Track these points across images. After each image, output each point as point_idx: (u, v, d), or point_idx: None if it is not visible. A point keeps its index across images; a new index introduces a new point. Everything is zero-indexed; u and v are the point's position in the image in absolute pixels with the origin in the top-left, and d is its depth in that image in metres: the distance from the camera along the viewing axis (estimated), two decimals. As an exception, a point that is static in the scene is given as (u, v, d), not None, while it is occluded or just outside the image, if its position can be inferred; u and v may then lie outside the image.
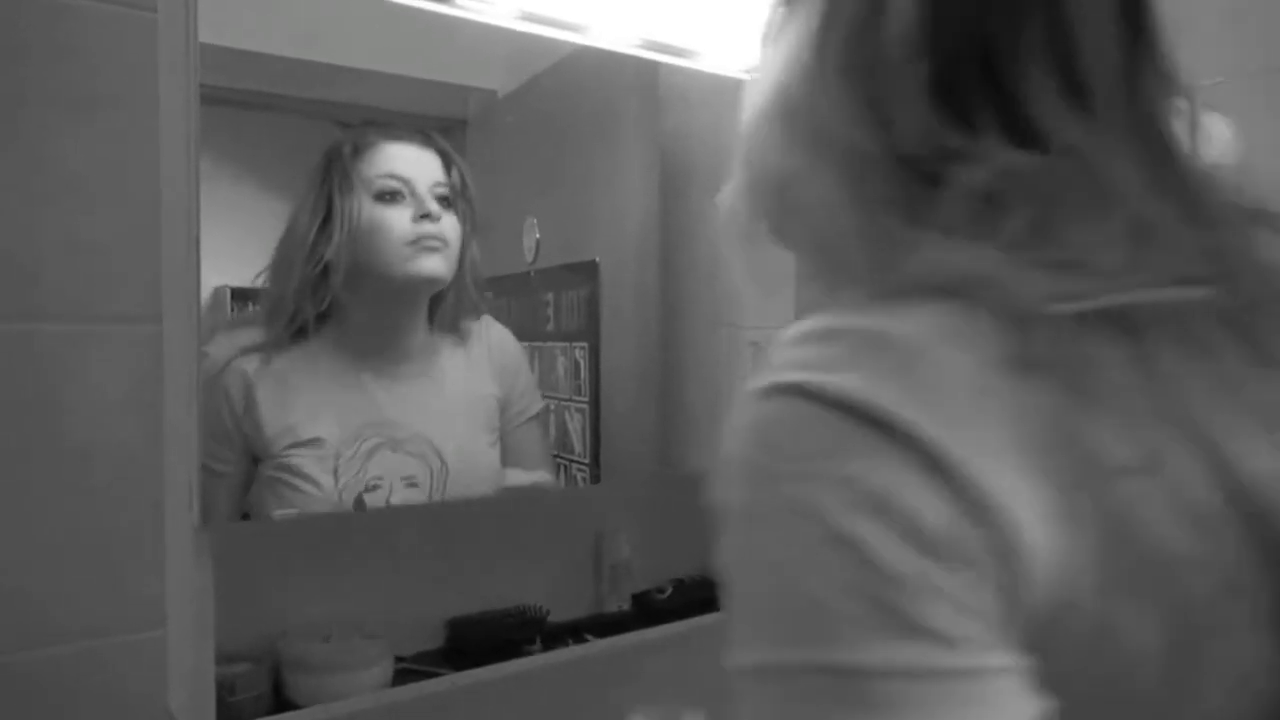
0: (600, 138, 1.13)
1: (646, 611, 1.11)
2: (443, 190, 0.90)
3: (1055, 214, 0.33)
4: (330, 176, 0.86)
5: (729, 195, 0.44)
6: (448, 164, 0.91)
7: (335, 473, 0.84)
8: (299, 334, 0.85)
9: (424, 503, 0.93)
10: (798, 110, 0.38)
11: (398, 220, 0.86)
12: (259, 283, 0.86)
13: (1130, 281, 0.31)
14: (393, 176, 0.86)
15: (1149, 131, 0.37)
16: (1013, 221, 0.33)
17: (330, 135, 0.94)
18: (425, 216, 0.86)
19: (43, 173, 0.66)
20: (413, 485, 0.89)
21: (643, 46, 1.00)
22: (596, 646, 1.03)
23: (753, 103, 0.42)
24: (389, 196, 0.86)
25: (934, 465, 0.28)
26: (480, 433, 0.97)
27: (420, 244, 0.87)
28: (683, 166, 1.17)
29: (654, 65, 1.09)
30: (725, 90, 1.10)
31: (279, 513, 0.81)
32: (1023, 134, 0.35)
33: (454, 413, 0.94)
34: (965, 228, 0.33)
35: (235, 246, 0.87)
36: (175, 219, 0.71)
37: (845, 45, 0.37)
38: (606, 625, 1.07)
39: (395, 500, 0.87)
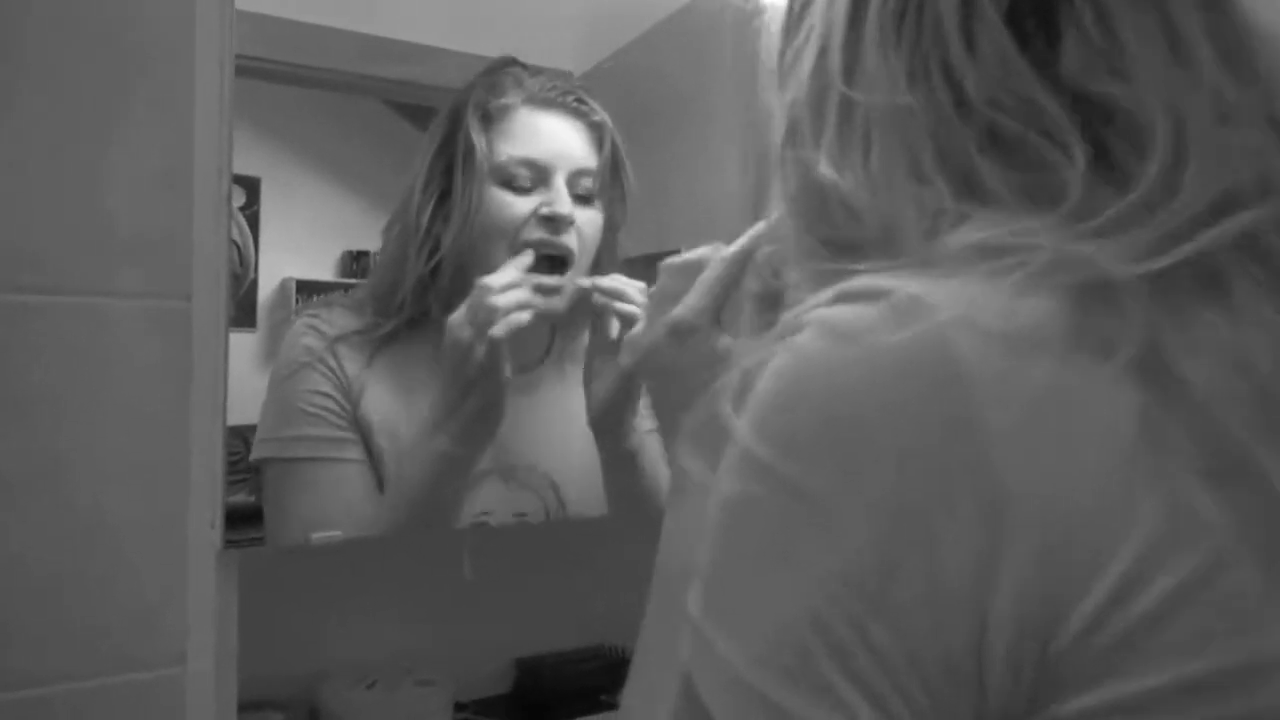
0: (688, 118, 1.08)
1: None
2: (586, 184, 0.76)
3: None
4: (453, 146, 0.73)
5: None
6: (599, 143, 0.77)
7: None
8: (400, 332, 0.74)
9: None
10: (849, 75, 0.36)
11: (519, 210, 0.73)
12: (375, 255, 0.77)
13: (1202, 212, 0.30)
14: (526, 163, 0.73)
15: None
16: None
17: (395, 124, 0.88)
18: (550, 220, 0.72)
19: (70, 145, 0.63)
20: (523, 518, 0.79)
21: None
22: None
23: (792, 90, 0.40)
24: (517, 187, 0.73)
25: None
26: (595, 457, 0.84)
27: (537, 252, 0.74)
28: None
29: (754, 34, 1.00)
30: None
31: (317, 534, 0.71)
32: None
33: (571, 436, 0.81)
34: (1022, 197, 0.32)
35: (301, 237, 0.84)
36: (207, 192, 0.66)
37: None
38: None
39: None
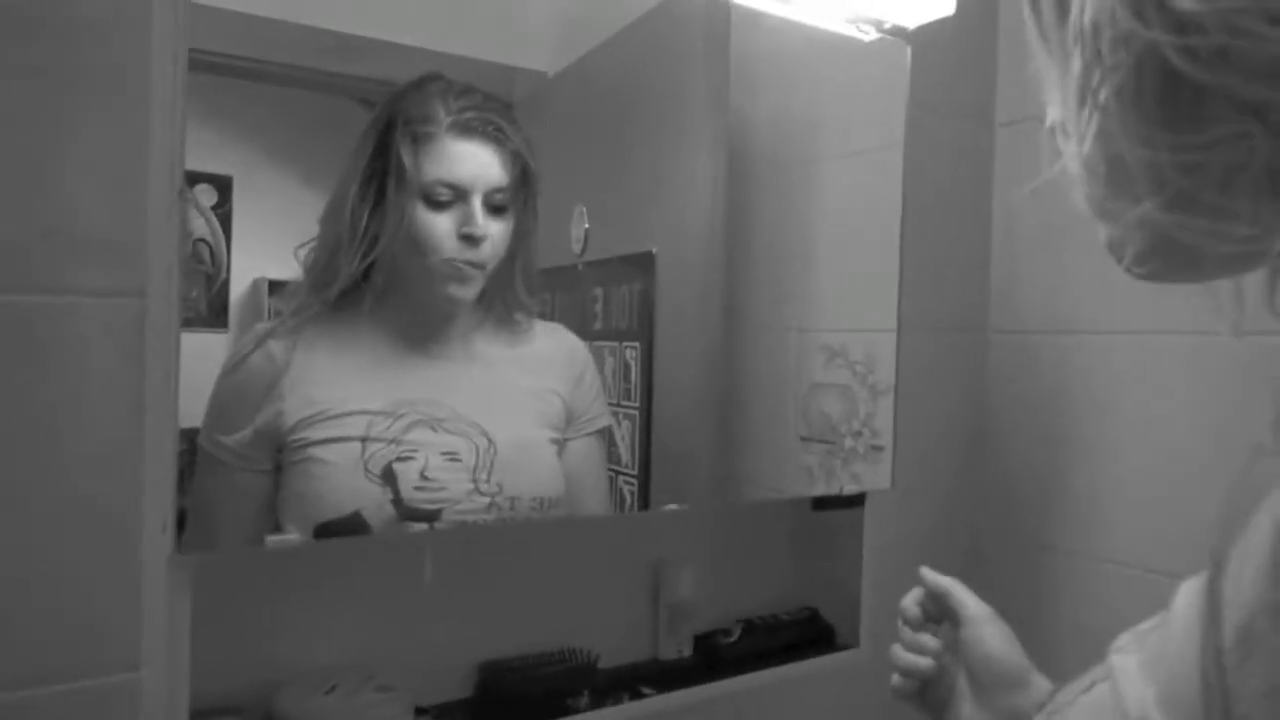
0: (660, 119, 1.07)
1: (710, 657, 1.03)
2: (499, 198, 0.85)
3: None
4: (384, 160, 0.81)
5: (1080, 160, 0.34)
6: (514, 164, 0.85)
7: (364, 440, 0.79)
8: (334, 307, 0.82)
9: (457, 524, 0.84)
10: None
11: (442, 230, 0.83)
12: (301, 258, 0.82)
13: None
14: (447, 185, 0.82)
15: None
16: None
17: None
18: (468, 238, 0.83)
19: (24, 142, 0.62)
20: (454, 459, 0.83)
21: None
22: (655, 704, 0.94)
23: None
24: (439, 202, 0.82)
25: None
26: (535, 426, 0.90)
27: (454, 268, 0.83)
28: (752, 149, 1.11)
29: (725, 35, 1.02)
30: (809, 56, 1.00)
31: (272, 538, 0.70)
32: None
33: (501, 401, 0.89)
34: None
35: (274, 237, 0.84)
36: (161, 189, 0.65)
37: None
38: (664, 673, 1.00)
39: (431, 474, 0.82)
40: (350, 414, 0.80)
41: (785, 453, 1.11)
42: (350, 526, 0.78)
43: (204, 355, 0.78)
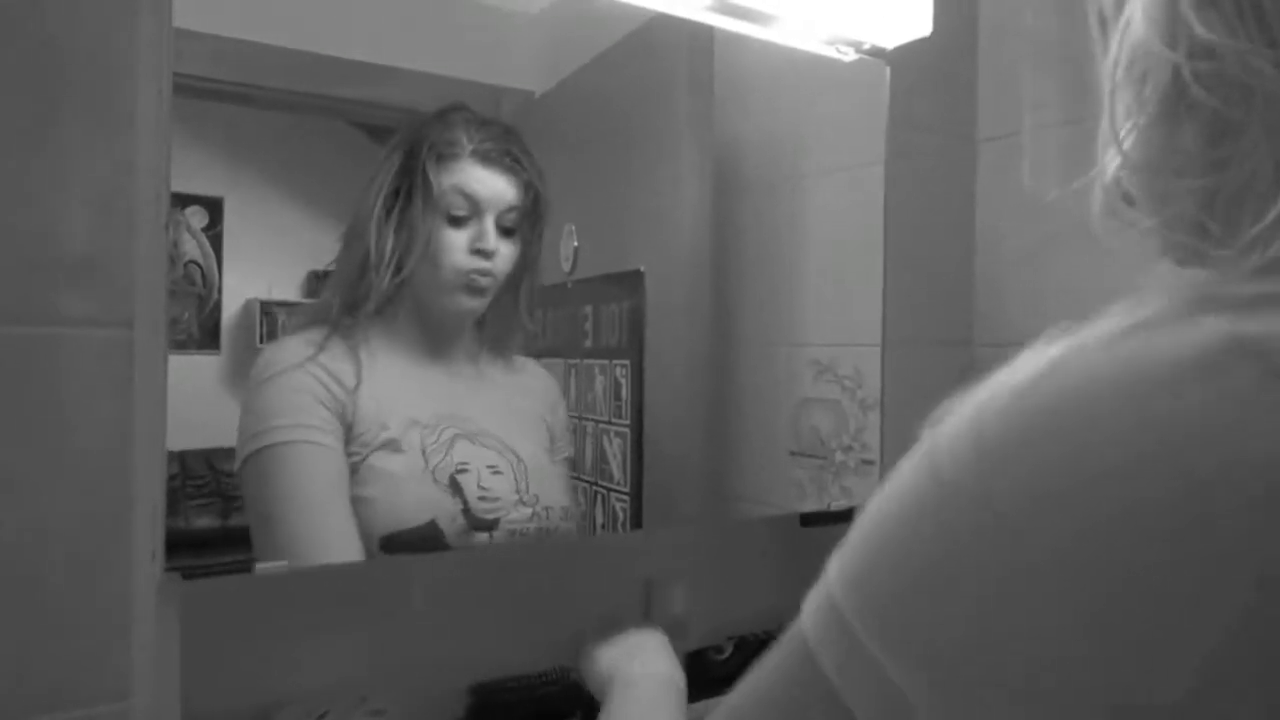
0: (647, 136, 1.08)
1: (703, 676, 1.01)
2: (510, 219, 0.89)
3: None
4: (410, 179, 0.85)
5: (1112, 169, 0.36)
6: (528, 192, 0.90)
7: (424, 453, 0.83)
8: (363, 323, 0.85)
9: (447, 550, 0.84)
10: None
11: (457, 245, 0.87)
12: (297, 288, 0.85)
13: None
14: (466, 195, 0.87)
15: None
16: None
17: (358, 142, 0.91)
18: (480, 252, 0.87)
19: (7, 168, 0.61)
20: (497, 473, 0.87)
21: (712, 9, 0.95)
22: None
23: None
24: (456, 218, 0.87)
25: None
26: (539, 443, 0.94)
27: (467, 279, 0.87)
28: (739, 167, 1.12)
29: (709, 54, 1.04)
30: (791, 75, 1.01)
31: (261, 565, 0.70)
32: None
33: (515, 418, 0.93)
34: None
35: (266, 258, 0.85)
36: (148, 217, 0.65)
37: None
38: None
39: (485, 484, 0.86)
40: (408, 425, 0.83)
41: (776, 468, 1.12)
42: (425, 535, 0.80)
43: (196, 377, 0.78)
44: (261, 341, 0.83)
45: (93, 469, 0.63)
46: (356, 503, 0.79)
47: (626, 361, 0.99)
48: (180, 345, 0.73)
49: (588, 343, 1.01)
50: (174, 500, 0.70)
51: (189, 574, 0.66)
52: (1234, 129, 0.31)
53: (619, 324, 1.01)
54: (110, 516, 0.63)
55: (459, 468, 0.84)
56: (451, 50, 0.93)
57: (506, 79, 1.00)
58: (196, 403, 0.75)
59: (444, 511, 0.82)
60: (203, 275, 0.81)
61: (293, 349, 0.80)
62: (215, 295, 0.81)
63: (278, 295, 0.84)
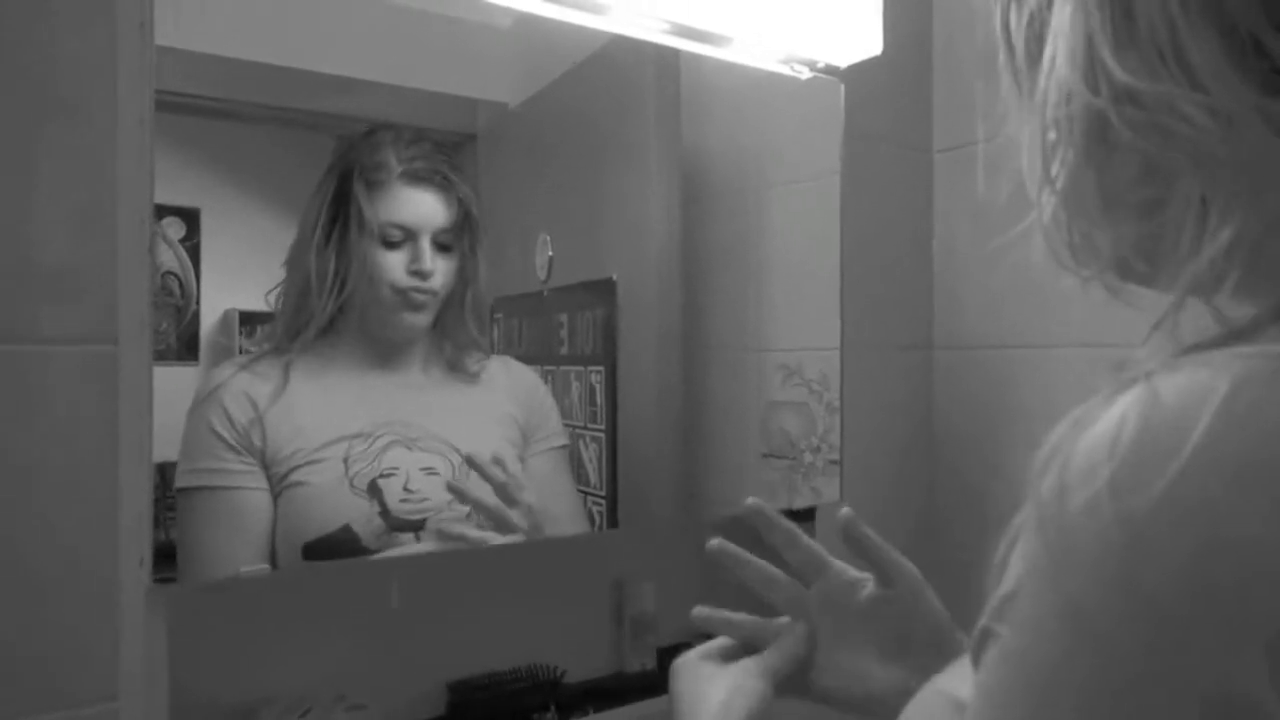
0: (617, 148, 1.10)
1: None
2: (445, 237, 0.90)
3: None
4: (345, 207, 0.86)
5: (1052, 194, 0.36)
6: (459, 209, 0.91)
7: (346, 460, 0.83)
8: (302, 345, 0.86)
9: (422, 552, 0.85)
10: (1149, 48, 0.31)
11: (394, 267, 0.88)
12: (272, 301, 0.85)
13: None
14: (398, 226, 0.87)
15: None
16: None
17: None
18: (417, 273, 0.88)
19: None
20: (433, 474, 0.87)
21: (669, 31, 0.96)
22: (620, 715, 0.95)
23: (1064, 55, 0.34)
24: (391, 242, 0.87)
25: None
26: (498, 443, 0.94)
27: (406, 297, 0.88)
28: (705, 177, 1.14)
29: (675, 69, 1.06)
30: (753, 90, 1.03)
31: (245, 569, 0.71)
32: None
33: (466, 420, 0.93)
34: None
35: (243, 268, 0.85)
36: (131, 234, 0.66)
37: None
38: (629, 687, 1.00)
39: (413, 486, 0.86)
40: (331, 441, 0.83)
41: (748, 470, 1.14)
42: (340, 540, 0.80)
43: (175, 388, 0.79)
44: (240, 352, 0.84)
45: (80, 480, 0.64)
46: (280, 517, 0.81)
47: (601, 368, 1.01)
48: (159, 356, 0.73)
49: (563, 350, 1.02)
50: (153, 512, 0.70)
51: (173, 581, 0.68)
52: (1164, 172, 0.31)
53: (593, 331, 1.02)
54: (98, 522, 0.64)
55: (384, 472, 0.85)
56: (426, 64, 0.94)
57: (481, 91, 1.01)
58: (176, 413, 0.76)
59: (359, 515, 0.82)
60: (180, 286, 0.81)
61: (215, 374, 0.81)
62: (193, 306, 0.81)
63: (256, 306, 0.85)
